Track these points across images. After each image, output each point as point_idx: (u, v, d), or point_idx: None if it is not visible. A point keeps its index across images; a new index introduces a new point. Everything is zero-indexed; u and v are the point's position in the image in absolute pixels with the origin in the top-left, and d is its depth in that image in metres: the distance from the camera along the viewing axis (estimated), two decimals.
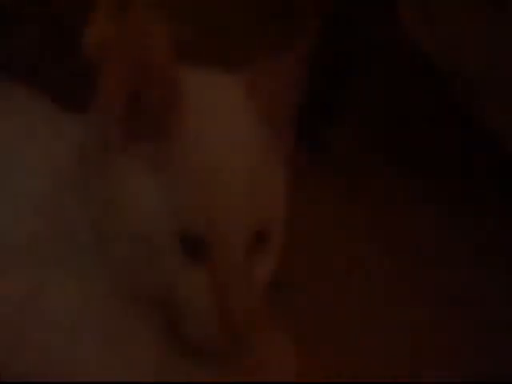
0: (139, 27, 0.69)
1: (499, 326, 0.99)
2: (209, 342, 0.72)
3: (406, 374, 0.88)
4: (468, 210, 1.28)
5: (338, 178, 1.31)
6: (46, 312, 0.76)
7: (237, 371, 0.78)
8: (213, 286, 0.71)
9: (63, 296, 0.76)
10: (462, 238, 1.21)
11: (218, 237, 0.71)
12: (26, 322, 0.76)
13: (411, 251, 1.15)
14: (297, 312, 0.94)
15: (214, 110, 0.74)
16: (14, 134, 0.83)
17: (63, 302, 0.76)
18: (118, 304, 0.75)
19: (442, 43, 1.35)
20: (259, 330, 0.75)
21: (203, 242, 0.71)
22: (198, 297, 0.71)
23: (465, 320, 1.00)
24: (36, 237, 0.77)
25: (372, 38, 1.40)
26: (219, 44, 1.38)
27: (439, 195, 1.34)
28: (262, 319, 0.75)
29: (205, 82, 0.75)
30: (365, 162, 1.41)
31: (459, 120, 1.54)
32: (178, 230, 0.71)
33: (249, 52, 0.80)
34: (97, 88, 0.73)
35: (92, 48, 1.18)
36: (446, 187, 1.36)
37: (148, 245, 0.71)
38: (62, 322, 0.76)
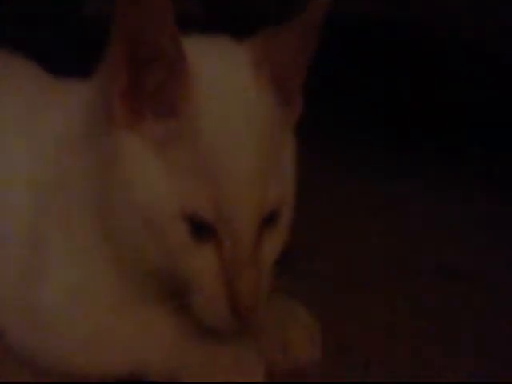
0: None
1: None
2: (219, 321, 0.71)
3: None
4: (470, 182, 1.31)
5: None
6: (50, 277, 0.75)
7: (260, 350, 0.77)
8: (221, 267, 0.69)
9: (65, 264, 0.75)
10: (463, 211, 1.24)
11: (226, 223, 0.69)
12: (30, 288, 0.75)
13: (412, 228, 1.17)
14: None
15: (223, 86, 0.71)
16: (15, 102, 0.83)
17: (65, 268, 0.75)
18: (123, 275, 0.74)
19: None
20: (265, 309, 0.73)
21: (211, 226, 0.69)
22: (206, 277, 0.70)
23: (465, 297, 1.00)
24: (35, 205, 0.77)
25: None
26: None
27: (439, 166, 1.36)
28: (269, 297, 0.74)
29: (212, 54, 0.73)
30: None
31: None
32: (184, 213, 0.69)
33: None
34: (103, 55, 0.71)
35: None
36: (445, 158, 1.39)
37: (152, 222, 0.69)
38: (65, 285, 0.75)
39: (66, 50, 1.68)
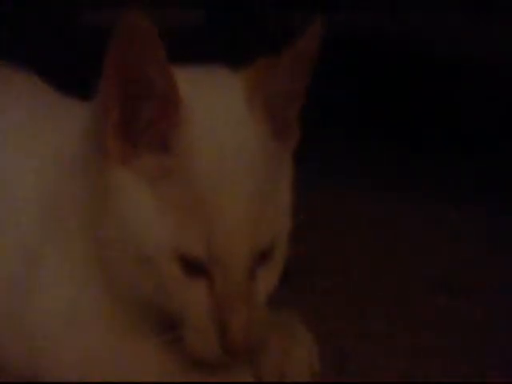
0: (132, 33, 0.64)
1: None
2: (209, 356, 0.70)
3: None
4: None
5: None
6: (43, 300, 0.74)
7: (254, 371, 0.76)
8: (213, 303, 0.69)
9: (59, 285, 0.74)
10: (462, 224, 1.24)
11: (218, 264, 0.68)
12: (23, 308, 0.74)
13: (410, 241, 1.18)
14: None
15: (217, 123, 0.69)
16: (17, 119, 0.81)
17: (59, 290, 0.74)
18: (117, 302, 0.73)
19: None
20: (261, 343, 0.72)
21: (203, 265, 0.68)
22: (198, 312, 0.69)
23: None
24: (33, 223, 0.76)
25: None
26: None
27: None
28: (264, 331, 0.73)
29: (206, 88, 0.72)
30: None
31: None
32: (176, 252, 0.68)
33: None
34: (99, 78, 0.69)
35: None
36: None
37: (144, 257, 0.68)
38: (57, 303, 0.74)
39: (65, 61, 1.69)
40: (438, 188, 1.39)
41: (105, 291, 0.73)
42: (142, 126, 0.68)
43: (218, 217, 0.67)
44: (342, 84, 1.67)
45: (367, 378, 0.83)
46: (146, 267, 0.68)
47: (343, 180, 1.35)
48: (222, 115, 0.70)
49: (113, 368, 0.73)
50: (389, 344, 0.90)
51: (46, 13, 2.07)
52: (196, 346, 0.70)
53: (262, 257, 0.71)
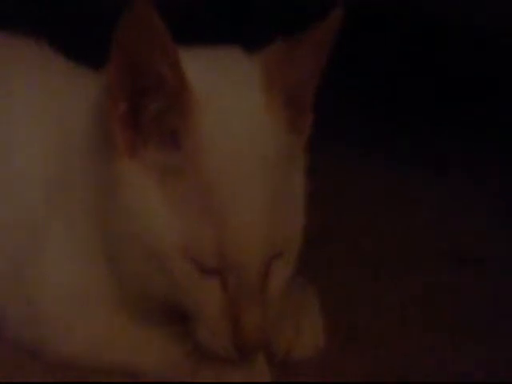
0: (139, 26, 0.62)
1: None
2: (222, 353, 0.69)
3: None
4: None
5: None
6: (50, 282, 0.74)
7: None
8: (226, 302, 0.67)
9: (65, 265, 0.74)
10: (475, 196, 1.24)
11: (230, 267, 0.66)
12: (24, 275, 0.74)
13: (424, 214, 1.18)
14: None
15: (230, 116, 0.66)
16: (27, 90, 0.80)
17: (65, 271, 0.74)
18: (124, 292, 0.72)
19: None
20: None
21: (214, 268, 0.67)
22: (211, 311, 0.68)
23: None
24: (40, 199, 0.75)
25: None
26: None
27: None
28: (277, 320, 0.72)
29: (219, 76, 0.68)
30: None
31: None
32: (186, 252, 0.66)
33: None
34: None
35: None
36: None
37: (153, 254, 0.67)
38: (65, 290, 0.74)
39: (80, 29, 1.68)
40: (452, 162, 1.39)
41: (111, 275, 0.72)
42: (150, 119, 0.66)
43: (231, 219, 0.65)
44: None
45: (377, 352, 0.84)
46: (155, 263, 0.67)
47: (356, 153, 1.34)
48: (235, 107, 0.67)
49: (118, 352, 0.73)
50: (400, 316, 0.90)
51: None
52: (207, 341, 0.69)
53: (276, 256, 0.69)
